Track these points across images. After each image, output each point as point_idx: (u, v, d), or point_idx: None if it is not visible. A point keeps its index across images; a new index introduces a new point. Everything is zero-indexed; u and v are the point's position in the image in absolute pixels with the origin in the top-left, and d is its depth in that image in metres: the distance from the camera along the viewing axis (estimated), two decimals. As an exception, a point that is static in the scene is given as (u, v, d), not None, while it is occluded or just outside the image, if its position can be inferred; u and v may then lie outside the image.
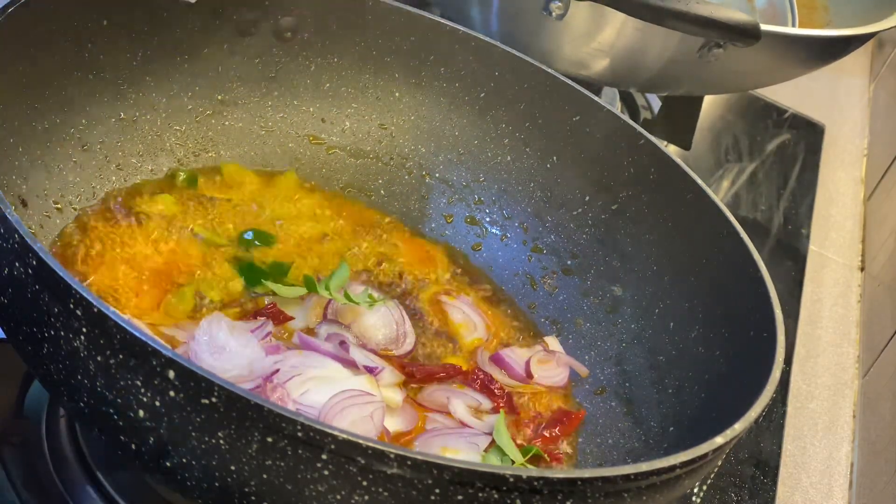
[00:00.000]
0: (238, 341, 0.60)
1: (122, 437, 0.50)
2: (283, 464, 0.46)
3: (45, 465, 0.63)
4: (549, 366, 0.75)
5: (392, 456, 0.45)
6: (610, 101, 1.16)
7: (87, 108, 0.72)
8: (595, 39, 0.96)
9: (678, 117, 1.22)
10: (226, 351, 0.59)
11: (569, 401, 0.75)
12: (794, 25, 1.14)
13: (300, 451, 0.45)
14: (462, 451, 0.65)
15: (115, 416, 0.48)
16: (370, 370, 0.66)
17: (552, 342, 0.78)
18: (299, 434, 0.45)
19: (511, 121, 0.85)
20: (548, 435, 0.71)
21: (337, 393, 0.62)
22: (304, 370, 0.63)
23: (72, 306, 0.47)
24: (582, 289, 0.80)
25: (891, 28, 1.05)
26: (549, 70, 0.83)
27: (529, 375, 0.74)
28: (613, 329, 0.78)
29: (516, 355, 0.75)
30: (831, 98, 1.61)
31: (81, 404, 0.50)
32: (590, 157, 0.82)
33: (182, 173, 0.77)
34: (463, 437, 0.66)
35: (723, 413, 0.58)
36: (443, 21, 0.83)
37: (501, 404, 0.70)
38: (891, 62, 1.64)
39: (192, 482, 0.49)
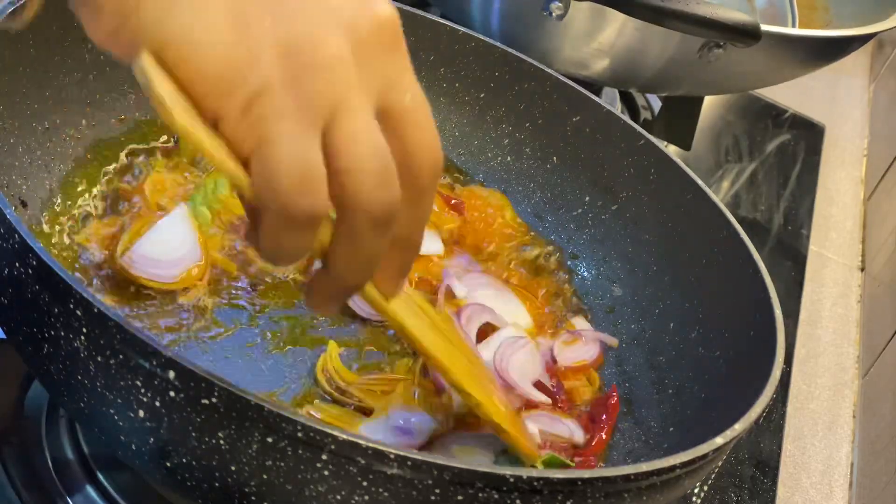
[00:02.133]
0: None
1: (122, 437, 0.50)
2: (283, 464, 0.46)
3: (45, 465, 0.63)
4: (576, 345, 0.75)
5: (392, 456, 0.45)
6: (610, 101, 1.16)
7: (87, 108, 0.72)
8: (595, 39, 0.96)
9: (678, 117, 1.22)
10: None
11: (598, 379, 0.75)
12: (794, 25, 1.14)
13: (300, 452, 0.45)
14: (476, 453, 0.65)
15: (115, 416, 0.48)
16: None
17: (578, 322, 0.78)
18: (299, 434, 0.45)
19: (511, 121, 0.85)
20: (602, 425, 0.71)
21: (505, 339, 0.68)
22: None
23: (72, 306, 0.47)
24: (582, 289, 0.80)
25: (891, 28, 1.05)
26: (549, 70, 0.83)
27: (554, 362, 0.74)
28: (613, 329, 0.78)
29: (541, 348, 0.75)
30: (831, 98, 1.61)
31: (81, 404, 0.50)
32: (590, 157, 0.82)
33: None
34: (477, 438, 0.66)
35: (723, 413, 0.58)
36: (443, 21, 0.83)
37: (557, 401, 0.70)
38: (891, 62, 1.64)
39: (192, 482, 0.49)
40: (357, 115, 0.43)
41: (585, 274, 0.81)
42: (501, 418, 0.62)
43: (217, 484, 0.48)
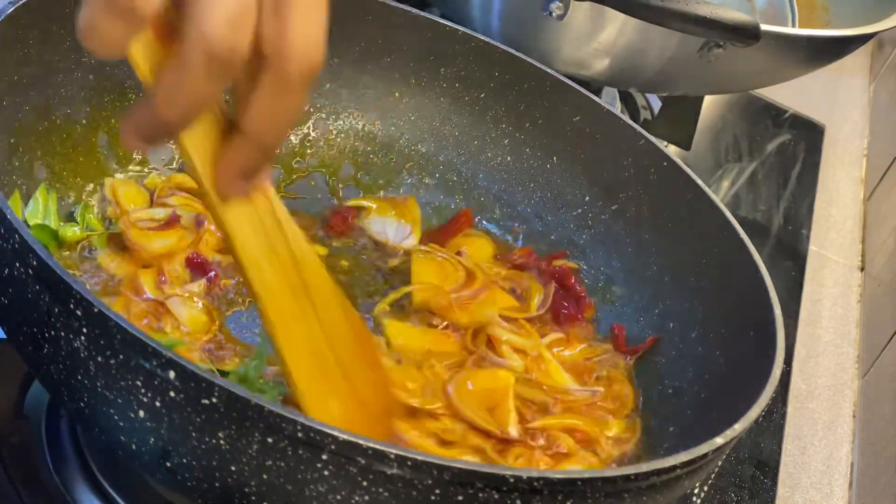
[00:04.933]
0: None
1: (122, 437, 0.50)
2: (283, 464, 0.46)
3: (45, 465, 0.63)
4: None
5: (392, 456, 0.45)
6: (610, 101, 1.16)
7: (88, 108, 0.72)
8: (595, 39, 0.96)
9: (678, 117, 1.22)
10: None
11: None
12: (794, 25, 1.14)
13: (300, 452, 0.45)
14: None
15: (115, 416, 0.48)
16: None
17: None
18: (299, 434, 0.45)
19: (511, 121, 0.85)
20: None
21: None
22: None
23: (72, 306, 0.47)
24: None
25: (891, 28, 1.05)
26: (549, 70, 0.83)
27: None
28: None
29: None
30: (831, 98, 1.61)
31: (81, 404, 0.50)
32: (590, 157, 0.82)
33: None
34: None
35: (723, 413, 0.58)
36: (443, 21, 0.83)
37: None
38: (891, 62, 1.64)
39: (192, 482, 0.49)
40: None
41: (585, 274, 0.81)
42: (316, 410, 0.54)
43: (217, 484, 0.48)
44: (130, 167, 0.76)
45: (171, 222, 0.71)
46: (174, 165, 0.78)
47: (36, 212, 0.68)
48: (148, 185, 0.75)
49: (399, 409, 0.62)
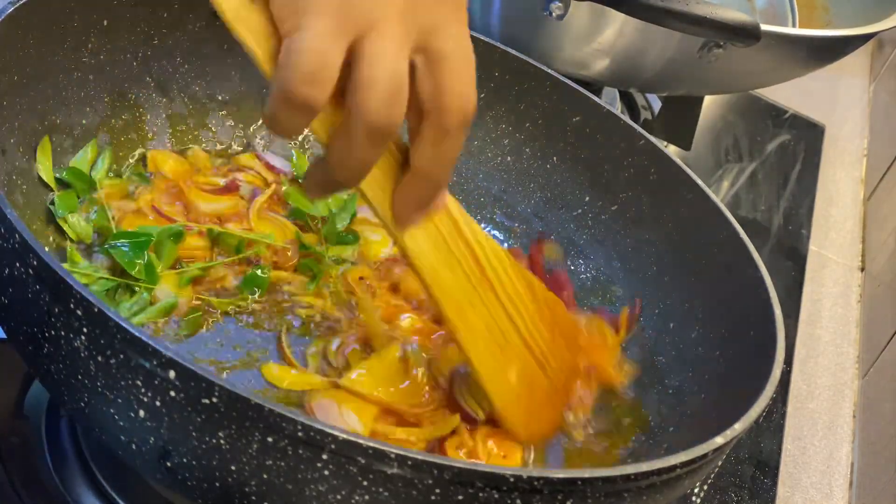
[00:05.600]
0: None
1: (122, 437, 0.50)
2: (283, 464, 0.46)
3: (45, 465, 0.63)
4: None
5: (392, 456, 0.45)
6: (610, 101, 1.16)
7: (87, 108, 0.72)
8: (595, 39, 0.96)
9: (678, 117, 1.22)
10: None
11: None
12: (794, 25, 1.14)
13: (300, 451, 0.45)
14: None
15: (115, 416, 0.48)
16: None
17: None
18: (299, 434, 0.45)
19: (511, 121, 0.85)
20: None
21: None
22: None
23: (72, 306, 0.47)
24: (582, 289, 0.80)
25: (891, 28, 1.05)
26: (549, 70, 0.83)
27: None
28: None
29: None
30: (831, 98, 1.61)
31: (81, 404, 0.50)
32: (590, 157, 0.82)
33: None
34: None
35: (723, 413, 0.58)
36: (443, 21, 0.83)
37: None
38: (891, 62, 1.64)
39: (192, 482, 0.49)
40: (387, 40, 0.48)
41: (585, 274, 0.81)
42: (498, 392, 0.62)
43: (217, 484, 0.48)
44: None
45: (230, 188, 0.75)
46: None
47: (84, 160, 0.71)
48: (190, 159, 0.78)
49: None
